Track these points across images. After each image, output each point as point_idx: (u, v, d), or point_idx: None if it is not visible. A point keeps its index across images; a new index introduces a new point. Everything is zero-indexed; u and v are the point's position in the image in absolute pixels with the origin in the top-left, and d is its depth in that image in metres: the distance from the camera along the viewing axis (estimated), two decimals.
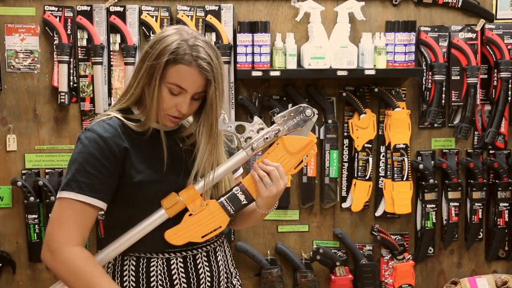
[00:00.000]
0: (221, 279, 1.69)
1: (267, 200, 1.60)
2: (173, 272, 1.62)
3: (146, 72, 1.56)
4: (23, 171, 2.73)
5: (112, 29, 2.68)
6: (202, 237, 1.61)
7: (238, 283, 1.78)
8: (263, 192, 1.58)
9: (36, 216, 2.70)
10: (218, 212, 1.61)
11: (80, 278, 1.51)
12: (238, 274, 1.80)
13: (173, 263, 1.62)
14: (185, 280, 1.62)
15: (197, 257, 1.65)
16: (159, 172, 1.59)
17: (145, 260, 1.62)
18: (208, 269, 1.66)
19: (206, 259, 1.66)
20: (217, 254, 1.70)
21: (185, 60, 1.53)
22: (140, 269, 1.62)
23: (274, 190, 1.58)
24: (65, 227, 1.52)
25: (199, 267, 1.65)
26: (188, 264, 1.63)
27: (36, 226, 2.71)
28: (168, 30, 1.59)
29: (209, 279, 1.66)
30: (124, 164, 1.57)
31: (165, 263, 1.62)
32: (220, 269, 1.69)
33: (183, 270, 1.63)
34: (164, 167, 1.59)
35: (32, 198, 2.68)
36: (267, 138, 1.61)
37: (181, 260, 1.63)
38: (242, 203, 1.62)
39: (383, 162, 2.84)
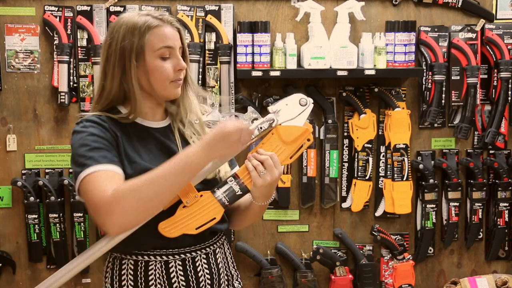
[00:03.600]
0: (221, 282, 1.68)
1: (261, 189, 1.57)
2: (171, 276, 1.61)
3: (118, 61, 1.56)
4: (23, 171, 2.73)
5: None
6: (196, 228, 1.57)
7: (240, 285, 1.77)
8: (257, 181, 1.55)
9: (36, 216, 2.70)
10: (213, 204, 1.58)
11: (146, 187, 1.45)
12: (239, 276, 1.78)
13: (172, 266, 1.61)
14: (184, 284, 1.61)
15: (196, 259, 1.63)
16: (153, 163, 1.57)
17: (143, 263, 1.61)
18: (208, 271, 1.65)
19: (205, 261, 1.65)
20: (217, 256, 1.68)
21: (156, 24, 1.56)
22: (138, 273, 1.61)
23: (268, 178, 1.55)
24: (104, 182, 1.47)
25: (198, 269, 1.63)
26: (187, 267, 1.62)
27: (36, 226, 2.71)
28: (121, 23, 1.59)
29: (209, 281, 1.64)
30: (118, 148, 1.56)
31: (163, 266, 1.61)
32: (220, 272, 1.68)
33: (182, 274, 1.61)
34: (156, 159, 1.58)
35: (32, 198, 2.68)
36: (261, 128, 1.59)
37: (180, 263, 1.62)
38: (237, 194, 1.58)
39: (383, 162, 2.84)
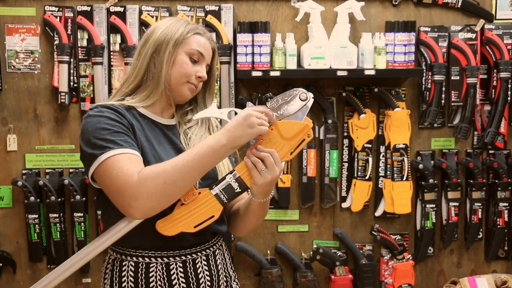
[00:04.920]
0: (220, 283, 1.68)
1: (261, 187, 1.56)
2: (172, 277, 1.61)
3: (155, 42, 1.64)
4: (24, 171, 2.73)
5: (112, 29, 2.69)
6: (195, 227, 1.55)
7: (237, 286, 1.77)
8: (258, 179, 1.53)
9: (37, 216, 2.70)
10: (211, 201, 1.55)
11: (171, 171, 1.48)
12: (237, 277, 1.79)
13: (173, 267, 1.61)
14: (185, 286, 1.62)
15: (196, 261, 1.64)
16: (164, 155, 1.59)
17: (144, 265, 1.61)
18: (207, 273, 1.65)
19: (205, 263, 1.65)
20: (217, 258, 1.69)
21: (200, 32, 1.69)
22: (139, 274, 1.61)
23: (268, 177, 1.53)
24: (128, 165, 1.48)
25: (198, 271, 1.64)
26: (188, 268, 1.62)
27: (37, 226, 2.71)
28: (168, 19, 1.71)
29: (209, 283, 1.65)
30: (134, 135, 1.58)
31: (164, 268, 1.61)
32: (220, 273, 1.68)
33: (182, 275, 1.62)
34: (166, 151, 1.60)
35: (32, 198, 2.68)
36: None
37: (181, 264, 1.62)
38: (236, 191, 1.56)
39: (383, 162, 2.84)
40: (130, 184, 1.46)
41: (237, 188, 1.56)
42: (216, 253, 1.69)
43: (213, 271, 1.66)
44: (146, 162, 1.54)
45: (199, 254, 1.64)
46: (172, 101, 1.68)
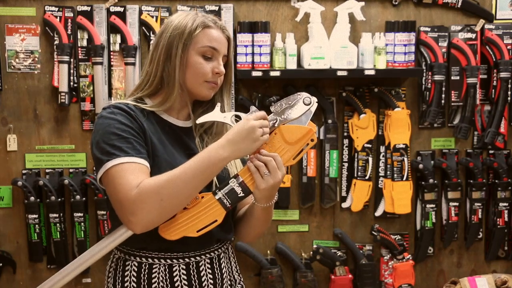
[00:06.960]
0: (224, 286, 1.67)
1: (264, 192, 1.55)
2: (175, 279, 1.60)
3: (165, 47, 1.59)
4: (24, 171, 2.73)
5: (112, 29, 2.69)
6: (198, 231, 1.54)
7: None
8: (260, 183, 1.52)
9: (37, 216, 2.70)
10: (214, 206, 1.54)
11: (170, 186, 1.46)
12: (242, 280, 1.78)
13: (176, 270, 1.61)
14: None
15: (200, 264, 1.63)
16: (175, 159, 1.58)
17: (147, 266, 1.60)
18: (211, 276, 1.64)
19: (209, 266, 1.64)
20: (221, 261, 1.68)
21: (209, 24, 1.60)
22: (142, 275, 1.60)
23: (271, 181, 1.51)
24: (130, 176, 1.47)
25: (202, 274, 1.63)
26: (191, 271, 1.62)
27: (37, 226, 2.71)
28: (176, 16, 1.64)
29: (212, 286, 1.64)
30: (145, 139, 1.56)
31: (167, 269, 1.60)
32: (224, 277, 1.67)
33: (185, 278, 1.61)
34: (178, 155, 1.59)
35: (32, 198, 2.68)
36: None
37: (184, 267, 1.61)
38: (239, 195, 1.54)
39: (383, 162, 2.84)
40: (129, 199, 1.45)
41: (240, 193, 1.55)
42: (221, 256, 1.68)
43: (216, 274, 1.65)
44: (157, 167, 1.53)
45: (203, 257, 1.63)
46: (188, 100, 1.65)
